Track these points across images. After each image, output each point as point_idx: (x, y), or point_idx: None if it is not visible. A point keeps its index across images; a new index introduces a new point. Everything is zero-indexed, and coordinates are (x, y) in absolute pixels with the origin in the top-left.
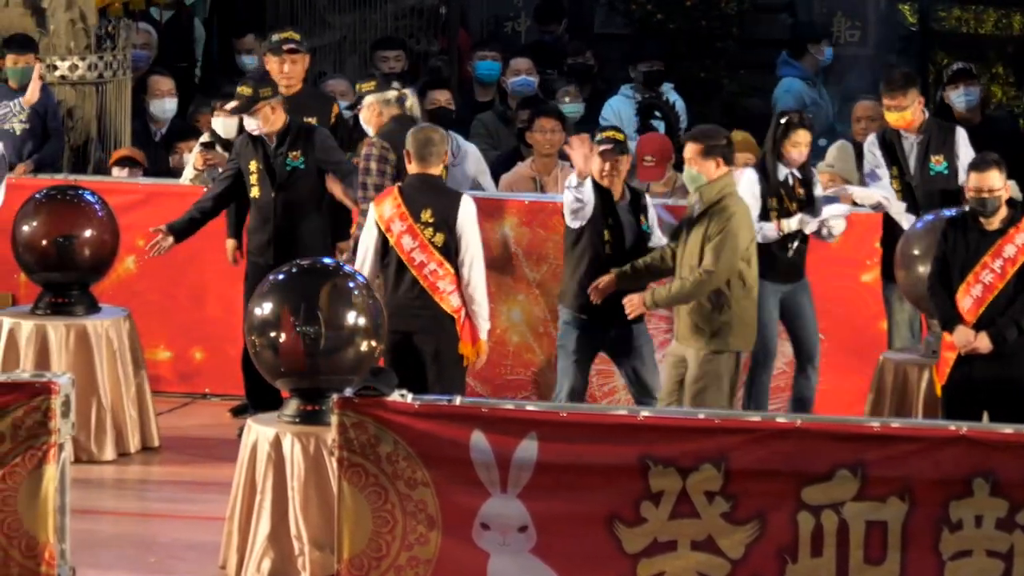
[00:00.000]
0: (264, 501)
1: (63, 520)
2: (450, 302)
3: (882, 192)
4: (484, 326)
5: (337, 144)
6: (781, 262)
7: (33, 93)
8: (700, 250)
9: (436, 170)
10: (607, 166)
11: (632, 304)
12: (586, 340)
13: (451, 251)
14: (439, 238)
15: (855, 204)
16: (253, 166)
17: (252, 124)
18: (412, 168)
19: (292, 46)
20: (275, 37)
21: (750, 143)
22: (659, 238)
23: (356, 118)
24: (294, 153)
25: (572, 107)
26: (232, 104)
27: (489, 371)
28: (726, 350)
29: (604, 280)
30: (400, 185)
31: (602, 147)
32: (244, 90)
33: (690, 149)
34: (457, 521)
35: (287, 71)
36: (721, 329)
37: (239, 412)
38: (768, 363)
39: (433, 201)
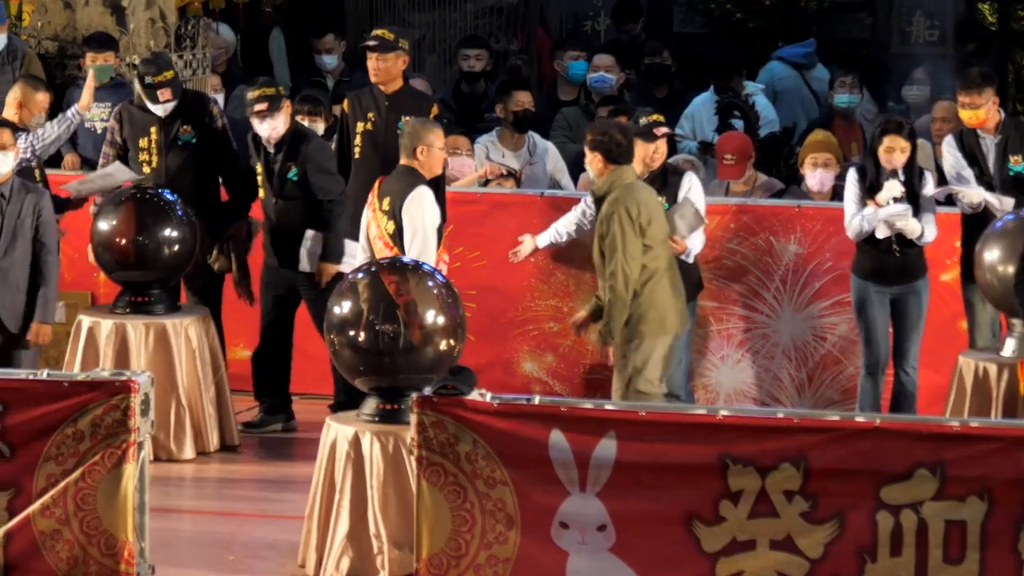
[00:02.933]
0: (343, 500)
1: (142, 518)
2: None
3: (991, 194)
4: None
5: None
6: (888, 264)
7: (87, 99)
8: (599, 253)
9: (410, 161)
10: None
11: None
12: None
13: (402, 241)
14: (390, 226)
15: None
16: (259, 168)
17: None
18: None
19: (376, 43)
20: (369, 35)
21: (831, 143)
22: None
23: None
24: (289, 164)
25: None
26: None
27: (568, 370)
28: (640, 339)
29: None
30: (382, 177)
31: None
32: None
33: (586, 139)
34: (536, 520)
35: (375, 68)
36: (630, 320)
37: (337, 408)
38: (873, 367)
39: (393, 190)
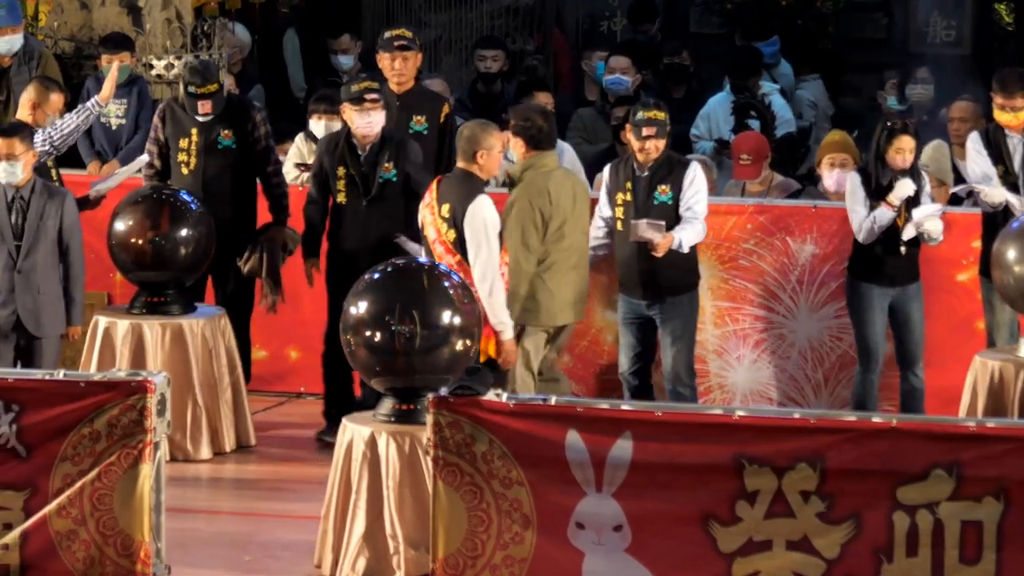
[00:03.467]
0: (359, 500)
1: (158, 519)
2: None
3: (1013, 194)
4: (495, 323)
5: (444, 145)
6: (890, 265)
7: (108, 90)
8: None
9: (469, 165)
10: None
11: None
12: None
13: (464, 248)
14: (451, 234)
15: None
16: (341, 171)
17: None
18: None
19: (403, 43)
20: (387, 34)
21: (847, 143)
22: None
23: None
24: (387, 165)
25: None
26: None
27: (584, 370)
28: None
29: None
30: (440, 177)
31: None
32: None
33: (509, 123)
34: (552, 520)
35: (398, 68)
36: (530, 308)
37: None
38: (872, 367)
39: (453, 197)
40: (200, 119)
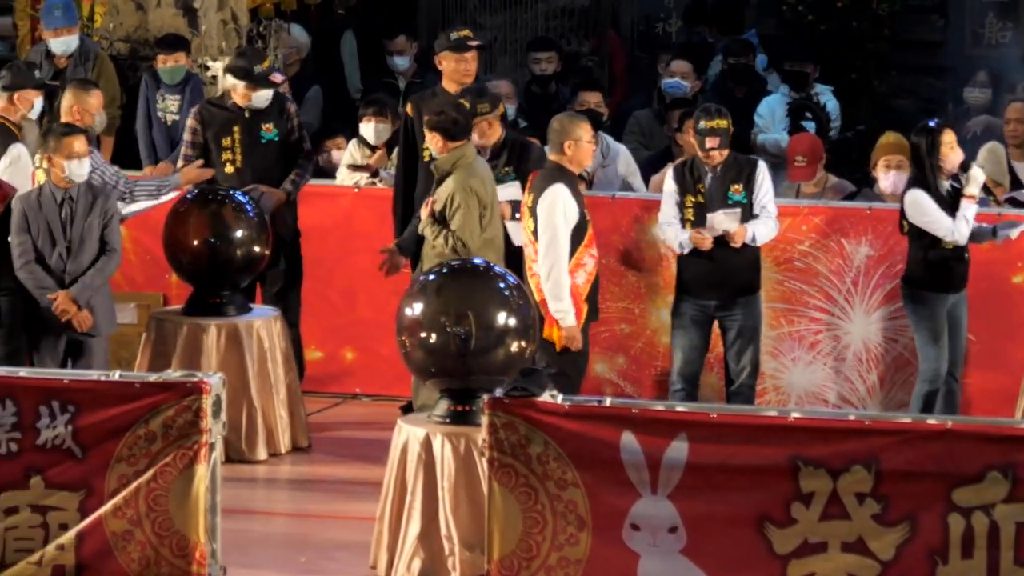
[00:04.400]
0: (414, 501)
1: (214, 519)
2: (531, 284)
3: None
4: (554, 311)
5: (542, 153)
6: (956, 273)
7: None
8: (439, 215)
9: (559, 157)
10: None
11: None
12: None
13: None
14: (531, 224)
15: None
16: None
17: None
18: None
19: (477, 43)
20: (454, 35)
21: (903, 144)
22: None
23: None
24: (507, 168)
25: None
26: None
27: (639, 372)
28: None
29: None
30: (536, 172)
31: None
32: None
33: (424, 120)
34: (607, 522)
35: (466, 69)
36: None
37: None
38: (939, 380)
39: (536, 188)
40: (262, 105)
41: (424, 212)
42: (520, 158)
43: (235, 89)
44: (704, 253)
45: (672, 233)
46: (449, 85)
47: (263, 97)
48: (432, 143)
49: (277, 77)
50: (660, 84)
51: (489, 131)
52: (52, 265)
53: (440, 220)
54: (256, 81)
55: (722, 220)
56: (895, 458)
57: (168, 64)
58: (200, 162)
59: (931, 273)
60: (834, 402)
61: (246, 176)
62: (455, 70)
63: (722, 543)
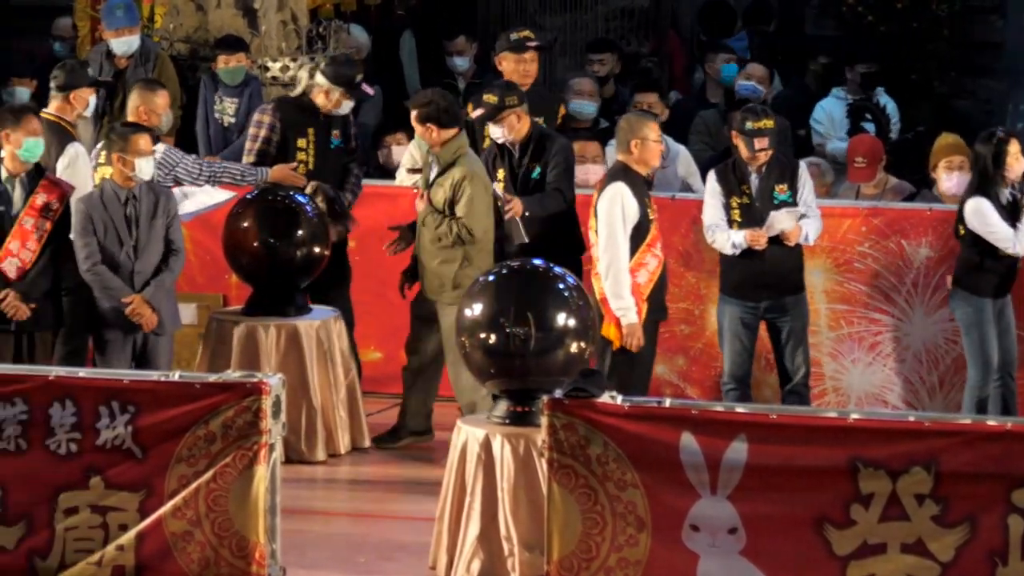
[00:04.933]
0: (474, 502)
1: (273, 520)
2: (594, 285)
3: None
4: (615, 308)
5: (569, 150)
6: (1007, 280)
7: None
8: (443, 204)
9: (626, 157)
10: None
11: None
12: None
13: None
14: (593, 223)
15: None
16: (501, 175)
17: (497, 132)
18: None
19: (536, 43)
20: (514, 36)
21: (961, 144)
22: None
23: None
24: (532, 164)
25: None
26: (478, 112)
27: (699, 373)
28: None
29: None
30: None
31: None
32: (490, 98)
33: (411, 116)
34: (667, 523)
35: (525, 70)
36: (464, 283)
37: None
38: (988, 384)
39: (601, 188)
40: (344, 111)
41: (420, 204)
42: (543, 152)
43: (328, 94)
44: (754, 254)
45: (723, 235)
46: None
47: (349, 106)
48: (425, 135)
49: (369, 90)
50: (733, 84)
51: (518, 124)
52: (120, 265)
53: (441, 210)
54: (354, 90)
55: (782, 219)
56: (955, 459)
57: (230, 65)
58: (295, 164)
59: (983, 279)
60: (894, 403)
61: (314, 179)
62: (515, 71)
63: (781, 544)
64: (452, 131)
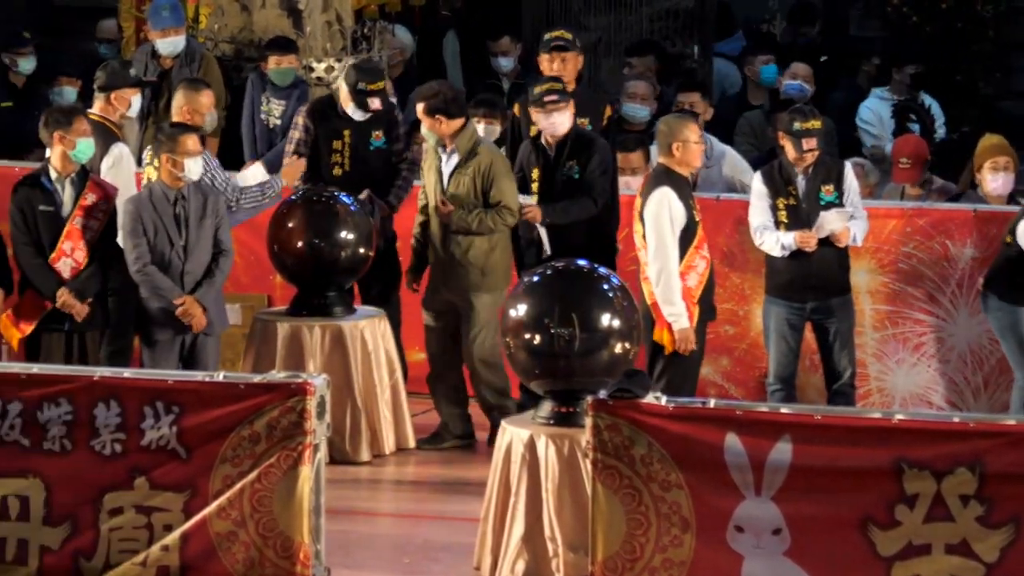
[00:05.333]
0: (518, 502)
1: (318, 521)
2: (644, 289)
3: None
4: (667, 314)
5: (608, 152)
6: None
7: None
8: (470, 193)
9: (668, 160)
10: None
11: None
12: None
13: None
14: (639, 227)
15: None
16: (535, 174)
17: (557, 120)
18: None
19: (560, 43)
20: (546, 36)
21: (1005, 145)
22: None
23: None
24: (570, 162)
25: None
26: (552, 97)
27: (743, 374)
28: (489, 292)
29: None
30: (648, 173)
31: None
32: (557, 85)
33: (418, 109)
34: (711, 523)
35: (556, 69)
36: (494, 270)
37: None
38: None
39: (645, 192)
40: (358, 119)
41: (445, 210)
42: (583, 152)
43: (346, 97)
44: (801, 255)
45: (771, 236)
46: None
47: (361, 112)
48: (434, 127)
49: (375, 103)
50: (777, 85)
51: (555, 123)
52: (170, 265)
53: (471, 201)
54: (357, 94)
55: (833, 219)
56: (999, 460)
57: (281, 66)
58: (294, 158)
59: (1020, 291)
60: (938, 404)
61: (353, 181)
62: (546, 71)
63: (826, 545)
64: (460, 121)
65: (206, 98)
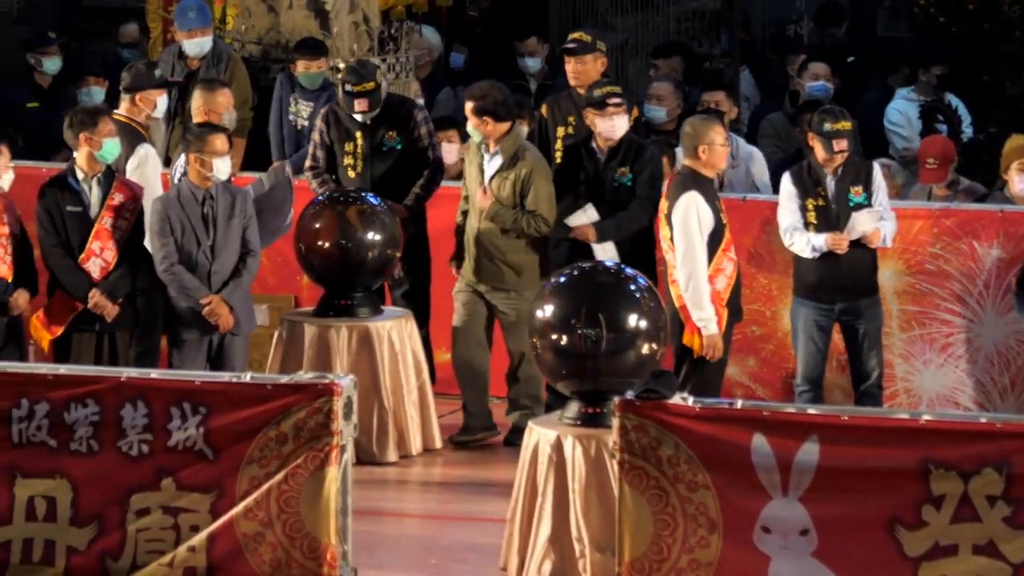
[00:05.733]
0: (545, 503)
1: (345, 521)
2: (672, 292)
3: None
4: (696, 319)
5: (659, 162)
6: None
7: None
8: (510, 198)
9: (694, 162)
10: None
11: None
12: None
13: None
14: (666, 231)
15: None
16: (582, 176)
17: (615, 123)
18: None
19: (571, 46)
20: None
21: None
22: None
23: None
24: (622, 169)
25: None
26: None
27: (770, 374)
28: (531, 289)
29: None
30: (672, 176)
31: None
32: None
33: (466, 107)
34: (738, 524)
35: (571, 71)
36: (530, 269)
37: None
38: None
39: (671, 195)
40: (362, 120)
41: (485, 201)
42: (636, 160)
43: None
44: (829, 256)
45: (801, 238)
46: (578, 87)
47: (357, 116)
48: (480, 128)
49: (361, 104)
50: (802, 87)
51: (615, 126)
52: (197, 265)
53: (513, 204)
54: (344, 96)
55: (865, 220)
56: None
57: (310, 70)
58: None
59: None
60: (965, 405)
61: (367, 182)
62: (567, 71)
63: (853, 545)
64: (507, 124)
65: (223, 97)
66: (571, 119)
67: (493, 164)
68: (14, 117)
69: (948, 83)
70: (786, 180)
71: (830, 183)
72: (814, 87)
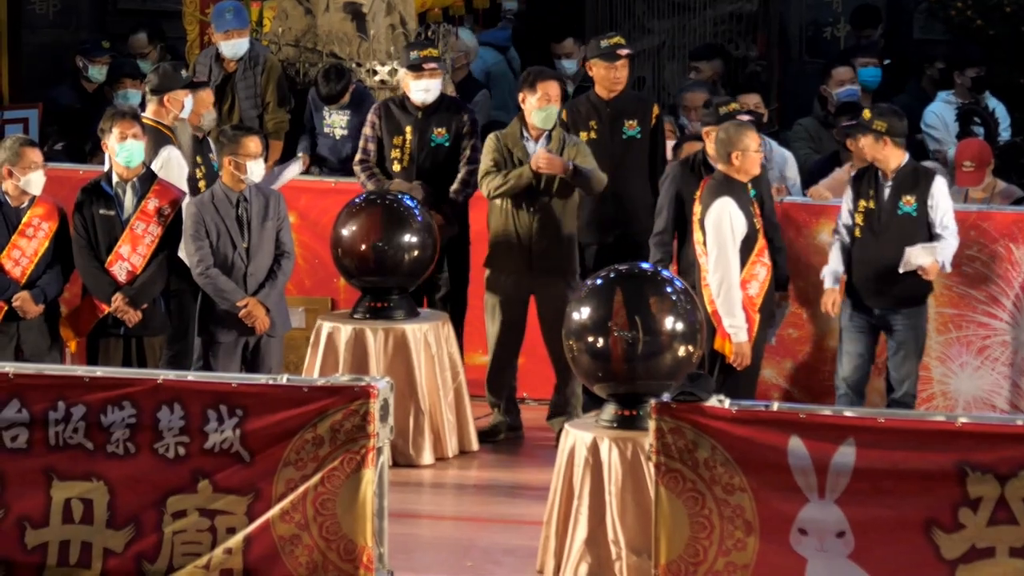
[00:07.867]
0: (581, 506)
1: (381, 524)
2: (704, 294)
3: None
4: (726, 325)
5: (656, 146)
6: None
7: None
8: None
9: (727, 168)
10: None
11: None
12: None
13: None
14: (700, 236)
15: None
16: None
17: None
18: None
19: (627, 51)
20: (604, 43)
21: None
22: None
23: None
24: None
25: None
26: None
27: (808, 377)
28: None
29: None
30: (706, 180)
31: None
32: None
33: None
34: (775, 526)
35: (615, 77)
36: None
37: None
38: None
39: (705, 199)
40: (422, 96)
41: (546, 158)
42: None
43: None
44: (872, 261)
45: (835, 251)
46: (600, 91)
47: (421, 87)
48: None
49: (429, 68)
50: (829, 94)
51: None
52: (233, 267)
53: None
54: (411, 70)
55: (919, 255)
56: None
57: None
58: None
59: None
60: (1002, 407)
61: (411, 176)
62: (605, 77)
63: (890, 548)
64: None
65: (206, 95)
66: (592, 123)
67: (539, 145)
68: (56, 118)
69: (982, 85)
70: (852, 179)
71: (884, 187)
72: (844, 93)
